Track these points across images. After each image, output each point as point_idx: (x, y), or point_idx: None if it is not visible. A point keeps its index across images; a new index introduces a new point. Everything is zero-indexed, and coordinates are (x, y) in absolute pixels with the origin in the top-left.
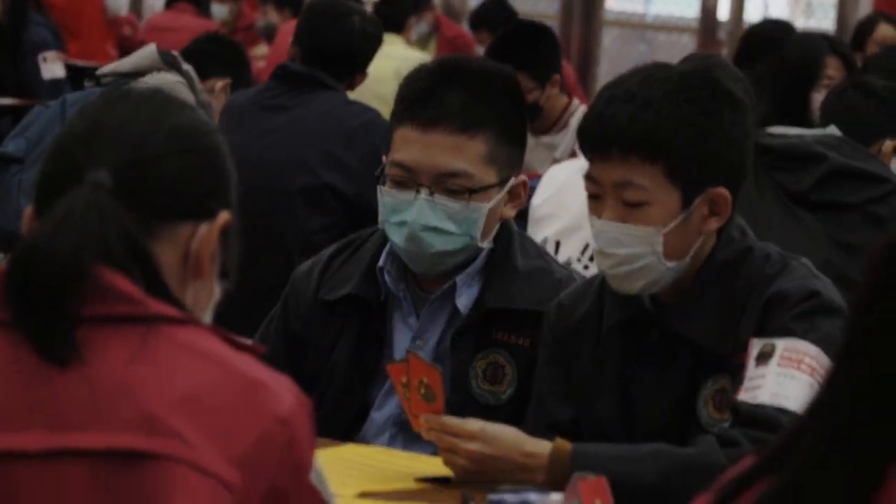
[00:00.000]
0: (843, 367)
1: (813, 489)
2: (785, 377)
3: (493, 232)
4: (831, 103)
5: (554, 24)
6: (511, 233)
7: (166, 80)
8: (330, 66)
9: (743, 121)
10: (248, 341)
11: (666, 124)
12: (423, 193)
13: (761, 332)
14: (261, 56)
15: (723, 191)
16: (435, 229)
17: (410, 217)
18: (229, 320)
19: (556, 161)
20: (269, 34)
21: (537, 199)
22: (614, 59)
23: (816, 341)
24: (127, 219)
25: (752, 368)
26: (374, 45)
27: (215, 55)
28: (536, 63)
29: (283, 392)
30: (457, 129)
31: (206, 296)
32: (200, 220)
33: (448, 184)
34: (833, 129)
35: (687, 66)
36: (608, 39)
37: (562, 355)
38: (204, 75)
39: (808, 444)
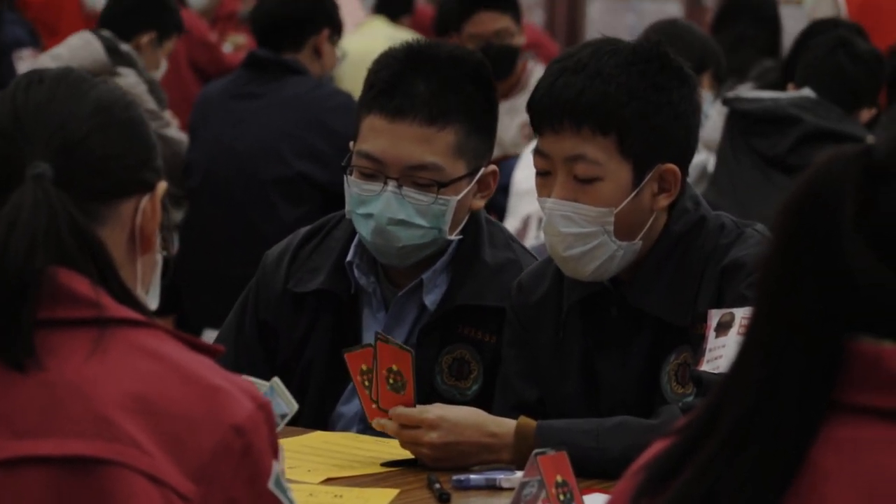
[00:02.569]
0: (754, 334)
1: (729, 472)
2: None
3: (462, 223)
4: (817, 62)
5: None
6: (479, 224)
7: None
8: (282, 39)
9: (692, 95)
10: (207, 342)
11: (617, 95)
12: (391, 186)
13: (719, 302)
14: (239, 45)
15: (672, 167)
16: (402, 222)
17: (377, 210)
18: (207, 310)
19: (525, 124)
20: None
21: (520, 174)
22: (602, 31)
23: None
24: (76, 211)
25: (712, 339)
26: (317, 4)
27: (136, 9)
28: (516, 5)
29: (240, 396)
30: (425, 121)
31: (151, 268)
32: (140, 194)
33: (416, 177)
34: (807, 91)
35: (637, 40)
36: (594, 11)
37: (524, 336)
38: (129, 34)
39: (723, 424)
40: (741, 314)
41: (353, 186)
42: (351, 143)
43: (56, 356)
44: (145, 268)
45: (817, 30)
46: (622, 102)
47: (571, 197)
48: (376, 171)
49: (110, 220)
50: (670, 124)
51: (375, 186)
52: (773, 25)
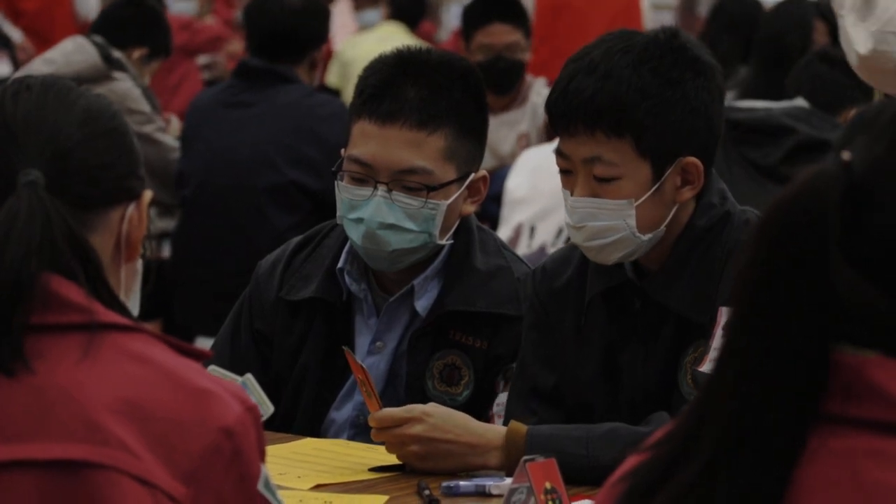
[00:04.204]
0: (733, 343)
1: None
2: None
3: (453, 228)
4: (798, 75)
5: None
6: (471, 230)
7: (119, 89)
8: (281, 52)
9: (709, 85)
10: (195, 346)
11: (629, 96)
12: (381, 190)
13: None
14: (232, 52)
15: (693, 160)
16: (392, 227)
17: (367, 214)
18: (200, 318)
19: (522, 136)
20: None
21: (512, 182)
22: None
23: None
24: (70, 218)
25: (717, 338)
26: (320, 19)
27: (131, 22)
28: (525, 18)
29: (229, 399)
30: (415, 125)
31: (134, 275)
32: (127, 202)
33: (406, 181)
34: (801, 101)
35: (651, 32)
36: None
37: (545, 320)
38: (122, 44)
39: (704, 441)
40: None
41: (344, 192)
42: (342, 150)
43: (46, 361)
44: (128, 275)
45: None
46: (634, 103)
47: (592, 194)
48: (366, 175)
49: (99, 227)
50: (687, 118)
51: (366, 191)
52: (748, 32)
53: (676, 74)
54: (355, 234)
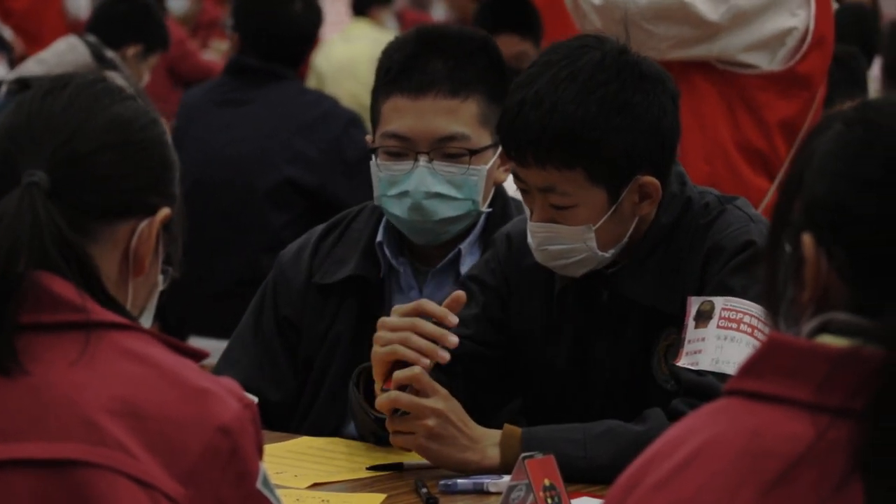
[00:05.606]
0: None
1: None
2: (725, 340)
3: (491, 195)
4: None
5: None
6: (504, 196)
7: None
8: (277, 53)
9: (660, 99)
10: (191, 345)
11: (577, 129)
12: (423, 160)
13: (702, 288)
14: (223, 51)
15: (649, 179)
16: (438, 195)
17: (411, 186)
18: (197, 316)
19: None
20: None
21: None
22: None
23: (756, 297)
24: (62, 222)
25: (691, 330)
26: (315, 24)
27: (124, 19)
28: (538, 32)
29: (226, 397)
30: (448, 94)
31: (147, 290)
32: (140, 216)
33: (447, 148)
34: None
35: (597, 52)
36: None
37: (505, 292)
38: (115, 43)
39: None
40: (721, 304)
41: (382, 170)
42: (367, 138)
43: (42, 361)
44: (137, 290)
45: None
46: (583, 136)
47: (549, 219)
48: (405, 149)
49: (103, 237)
50: (638, 140)
51: (406, 165)
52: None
53: (624, 98)
54: (399, 208)
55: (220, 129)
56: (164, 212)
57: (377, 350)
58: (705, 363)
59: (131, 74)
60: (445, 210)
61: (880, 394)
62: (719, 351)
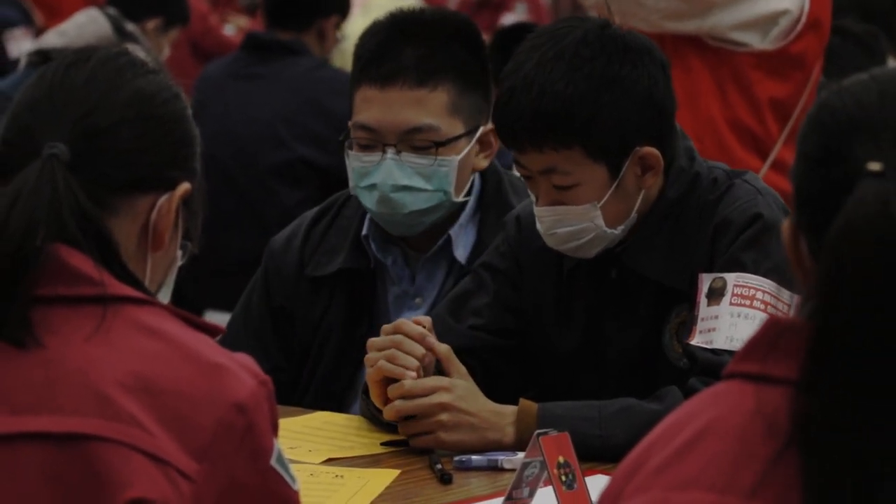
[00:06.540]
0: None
1: None
2: (738, 317)
3: (468, 185)
4: None
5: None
6: (497, 172)
7: None
8: (294, 18)
9: (648, 69)
10: (207, 321)
11: (567, 108)
12: (390, 153)
13: (712, 264)
14: (241, 27)
15: (649, 149)
16: (406, 188)
17: (379, 179)
18: (209, 294)
19: None
20: (252, 8)
21: None
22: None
23: (768, 272)
24: (81, 194)
25: (703, 307)
26: None
27: None
28: None
29: (241, 374)
30: (415, 84)
31: (166, 265)
32: (160, 191)
33: (414, 140)
34: None
35: (580, 30)
36: None
37: (515, 274)
38: (136, 16)
39: None
40: (733, 280)
41: (354, 160)
42: (349, 122)
43: (57, 334)
44: (156, 265)
45: None
46: (575, 114)
47: (555, 202)
48: (373, 140)
49: (122, 211)
50: (631, 112)
51: (374, 157)
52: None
53: (612, 72)
54: (369, 200)
55: (235, 104)
56: (184, 186)
57: (368, 371)
58: (720, 341)
59: (151, 48)
60: (414, 202)
61: (802, 368)
62: (733, 329)
